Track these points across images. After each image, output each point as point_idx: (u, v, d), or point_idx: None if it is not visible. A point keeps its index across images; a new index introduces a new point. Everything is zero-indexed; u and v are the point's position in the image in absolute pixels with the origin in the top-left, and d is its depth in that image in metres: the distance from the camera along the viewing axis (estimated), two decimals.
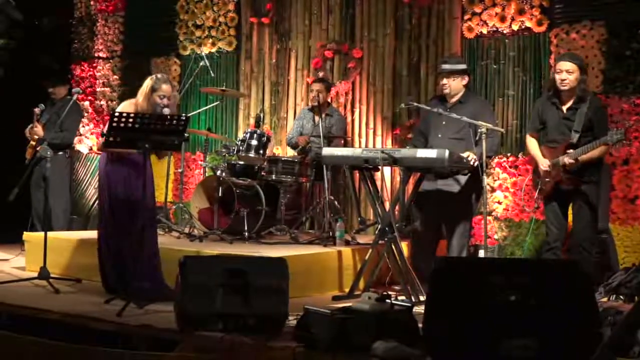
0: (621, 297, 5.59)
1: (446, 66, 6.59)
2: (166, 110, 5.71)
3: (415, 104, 6.81)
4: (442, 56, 7.60)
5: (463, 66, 6.64)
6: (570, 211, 6.17)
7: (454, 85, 6.56)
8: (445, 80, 6.58)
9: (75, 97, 7.12)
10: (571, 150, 5.89)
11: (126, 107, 5.86)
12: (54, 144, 7.50)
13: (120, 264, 5.78)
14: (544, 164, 6.13)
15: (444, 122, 6.53)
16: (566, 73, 6.01)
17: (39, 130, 7.97)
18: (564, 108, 6.10)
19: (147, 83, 5.84)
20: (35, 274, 6.24)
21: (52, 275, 6.16)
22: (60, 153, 8.16)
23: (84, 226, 9.28)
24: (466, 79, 6.62)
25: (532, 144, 6.36)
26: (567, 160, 5.88)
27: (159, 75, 5.91)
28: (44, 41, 10.16)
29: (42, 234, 6.46)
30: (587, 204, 6.02)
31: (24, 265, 7.10)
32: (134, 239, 5.63)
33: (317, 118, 7.80)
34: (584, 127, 5.94)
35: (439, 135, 6.53)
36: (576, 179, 5.97)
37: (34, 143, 7.97)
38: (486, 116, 6.39)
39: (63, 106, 7.67)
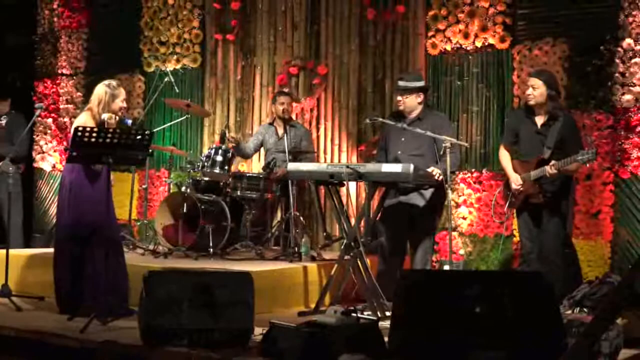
0: (585, 309, 5.63)
1: (401, 83, 6.54)
2: (129, 121, 5.90)
3: (380, 119, 6.80)
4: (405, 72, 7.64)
5: (419, 84, 6.56)
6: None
7: (408, 103, 6.52)
8: (399, 97, 6.55)
9: (39, 111, 6.97)
10: (554, 162, 5.92)
11: (85, 119, 5.76)
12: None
13: (79, 280, 5.72)
14: (515, 181, 6.20)
15: (403, 139, 6.51)
16: (531, 88, 6.16)
17: None
18: (539, 123, 6.19)
19: (105, 91, 5.77)
20: None
21: (13, 293, 6.08)
22: (12, 169, 7.65)
23: (46, 244, 9.15)
24: (422, 96, 6.54)
25: (504, 156, 6.43)
26: (550, 170, 5.92)
27: (112, 82, 5.88)
28: (7, 58, 10.06)
29: (2, 251, 6.38)
30: (556, 217, 6.10)
31: None
32: (99, 253, 5.62)
33: (280, 131, 7.77)
34: (556, 144, 6.02)
35: (399, 152, 6.49)
36: (545, 193, 6.05)
37: None
38: (445, 131, 6.36)
39: (10, 121, 7.52)
